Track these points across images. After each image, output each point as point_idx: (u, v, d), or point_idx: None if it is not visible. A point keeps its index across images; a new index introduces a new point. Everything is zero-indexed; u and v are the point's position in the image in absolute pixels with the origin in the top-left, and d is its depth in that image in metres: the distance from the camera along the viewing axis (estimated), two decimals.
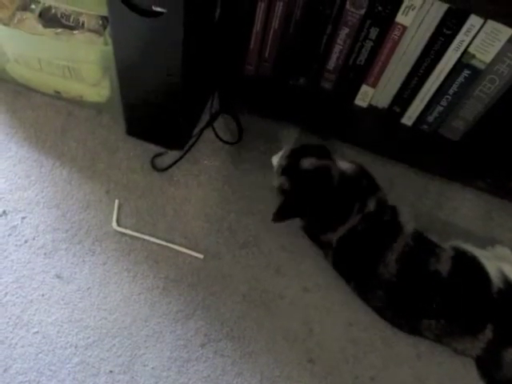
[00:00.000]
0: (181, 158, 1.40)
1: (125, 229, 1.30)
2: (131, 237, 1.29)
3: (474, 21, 1.16)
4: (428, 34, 1.24)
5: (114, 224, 1.30)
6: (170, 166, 1.39)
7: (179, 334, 1.22)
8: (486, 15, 1.13)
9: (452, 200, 1.44)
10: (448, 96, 1.33)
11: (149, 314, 1.22)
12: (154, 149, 1.41)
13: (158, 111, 1.32)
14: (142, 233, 1.30)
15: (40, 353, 1.18)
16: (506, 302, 1.16)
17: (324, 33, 1.33)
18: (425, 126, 1.43)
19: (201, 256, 1.28)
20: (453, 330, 1.18)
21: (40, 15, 1.33)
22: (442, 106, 1.36)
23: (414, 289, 1.19)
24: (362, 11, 1.25)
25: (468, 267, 1.21)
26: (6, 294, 1.21)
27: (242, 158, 1.43)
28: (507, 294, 1.16)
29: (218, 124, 1.46)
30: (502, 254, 1.30)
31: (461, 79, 1.28)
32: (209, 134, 1.45)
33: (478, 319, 1.17)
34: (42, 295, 1.22)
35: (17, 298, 1.21)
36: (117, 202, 1.33)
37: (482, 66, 1.23)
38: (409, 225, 1.24)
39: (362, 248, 1.22)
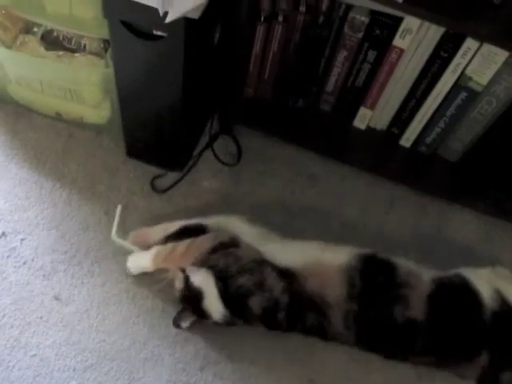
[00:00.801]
0: (180, 179, 1.40)
1: (122, 240, 1.29)
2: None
3: (470, 44, 1.18)
4: (425, 57, 1.26)
5: (113, 234, 1.30)
6: (170, 188, 1.39)
7: (178, 357, 1.21)
8: (482, 38, 1.14)
9: (452, 221, 1.44)
10: (446, 118, 1.34)
11: (148, 337, 1.22)
12: (154, 170, 1.41)
13: (158, 133, 1.33)
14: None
15: (37, 376, 1.17)
16: (501, 325, 1.12)
17: (322, 55, 1.35)
18: (423, 148, 1.44)
19: None
20: (445, 363, 1.16)
21: (42, 38, 1.34)
22: (439, 127, 1.37)
23: (393, 334, 1.13)
24: (360, 34, 1.27)
25: (452, 300, 1.14)
26: (4, 315, 1.21)
27: (242, 179, 1.44)
28: (503, 315, 1.12)
29: (218, 145, 1.47)
30: (502, 274, 1.29)
31: (458, 101, 1.29)
32: (208, 156, 1.45)
33: (472, 347, 1.13)
34: (41, 317, 1.21)
35: (15, 320, 1.21)
36: (119, 207, 1.33)
37: (478, 88, 1.25)
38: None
39: None
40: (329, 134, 1.47)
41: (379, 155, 1.48)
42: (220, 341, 1.23)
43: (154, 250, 1.21)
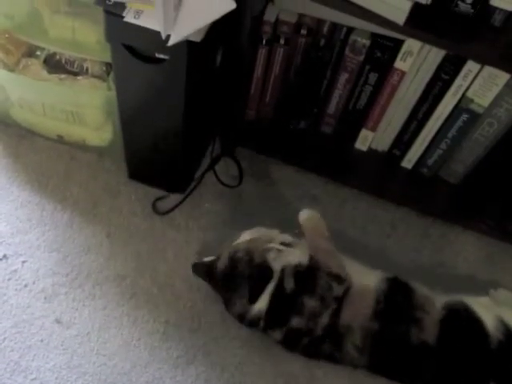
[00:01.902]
0: (182, 201, 1.40)
1: None
2: (132, 280, 1.29)
3: (471, 66, 1.18)
4: (426, 79, 1.27)
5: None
6: (172, 210, 1.39)
7: (179, 381, 1.19)
8: (482, 61, 1.15)
9: (453, 243, 1.43)
10: (447, 139, 1.34)
11: (149, 360, 1.21)
12: (156, 192, 1.41)
13: (159, 155, 1.33)
14: (142, 277, 1.29)
15: None
16: (507, 354, 1.12)
17: (324, 78, 1.36)
18: (425, 170, 1.44)
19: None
20: None
21: (45, 61, 1.36)
22: (441, 149, 1.37)
23: (406, 356, 1.14)
24: (361, 57, 1.28)
25: (460, 328, 1.15)
26: (5, 339, 1.20)
27: (243, 201, 1.44)
28: (508, 344, 1.12)
29: (219, 167, 1.47)
30: (504, 297, 1.28)
31: (459, 123, 1.29)
32: (210, 178, 1.45)
33: (479, 378, 1.12)
34: (41, 340, 1.21)
35: (15, 343, 1.20)
36: None
37: (480, 110, 1.25)
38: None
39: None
40: (330, 156, 1.48)
41: (380, 177, 1.48)
42: (221, 364, 1.22)
43: (317, 215, 1.23)
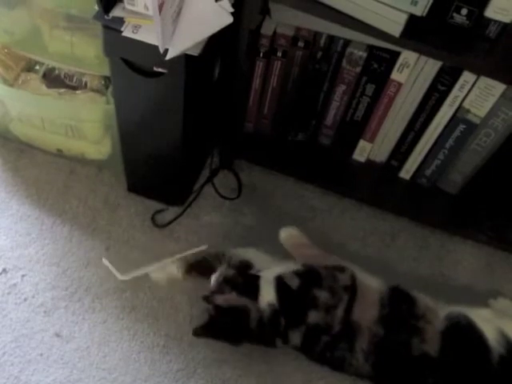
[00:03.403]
0: (181, 214, 1.40)
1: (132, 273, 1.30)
2: (131, 293, 1.29)
3: (467, 77, 1.19)
4: (423, 90, 1.27)
5: (119, 276, 1.30)
6: (171, 222, 1.39)
7: None
8: (478, 72, 1.15)
9: (453, 253, 1.44)
10: (445, 150, 1.35)
11: (149, 374, 1.20)
12: (155, 205, 1.41)
13: (158, 168, 1.33)
14: (142, 290, 1.29)
15: None
16: (508, 368, 1.11)
17: (321, 90, 1.37)
18: (423, 180, 1.44)
19: None
20: None
21: (44, 76, 1.36)
22: (439, 159, 1.38)
23: (403, 371, 1.14)
24: (358, 69, 1.28)
25: (461, 341, 1.14)
26: (4, 353, 1.20)
27: (242, 213, 1.44)
28: (509, 358, 1.11)
29: (218, 180, 1.47)
30: (504, 306, 1.28)
31: (457, 133, 1.30)
32: (209, 190, 1.46)
33: None
34: (41, 354, 1.20)
35: (15, 357, 1.20)
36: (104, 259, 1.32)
37: (477, 121, 1.26)
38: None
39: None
40: (328, 168, 1.48)
41: (379, 188, 1.48)
42: (222, 378, 1.21)
43: (296, 231, 1.28)
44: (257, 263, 1.23)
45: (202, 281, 1.26)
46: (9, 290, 1.27)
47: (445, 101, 1.25)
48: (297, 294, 1.15)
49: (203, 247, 1.34)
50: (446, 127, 1.30)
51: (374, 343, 1.12)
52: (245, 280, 1.17)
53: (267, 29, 1.26)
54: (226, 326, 1.16)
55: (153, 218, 1.40)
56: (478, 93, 1.21)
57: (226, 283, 1.16)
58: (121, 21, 1.02)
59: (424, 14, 1.02)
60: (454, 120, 1.28)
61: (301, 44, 1.27)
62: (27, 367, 1.19)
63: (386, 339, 1.12)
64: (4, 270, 1.29)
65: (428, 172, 1.42)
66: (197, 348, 1.24)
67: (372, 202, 1.46)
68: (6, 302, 1.26)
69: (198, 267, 1.30)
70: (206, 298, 1.17)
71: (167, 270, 1.30)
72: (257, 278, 1.16)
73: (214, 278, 1.19)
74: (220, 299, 1.16)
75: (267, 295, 1.14)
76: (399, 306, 1.16)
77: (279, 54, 1.29)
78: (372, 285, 1.18)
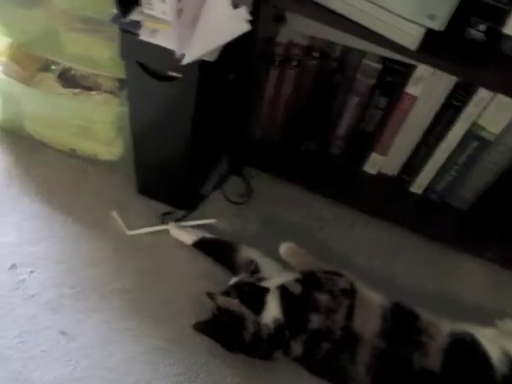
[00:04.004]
0: (186, 215, 1.41)
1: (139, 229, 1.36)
2: (136, 295, 1.29)
3: (483, 93, 1.19)
4: (437, 105, 1.27)
5: (127, 231, 1.36)
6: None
7: None
8: (494, 88, 1.15)
9: (460, 270, 1.43)
10: (457, 166, 1.34)
11: (150, 376, 1.20)
12: (164, 208, 1.42)
13: (168, 171, 1.34)
14: (147, 292, 1.30)
15: None
16: None
17: (334, 100, 1.37)
18: (434, 195, 1.44)
19: None
20: None
21: (59, 76, 1.38)
22: (451, 175, 1.37)
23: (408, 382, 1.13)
24: (372, 81, 1.28)
25: (465, 358, 1.13)
26: (9, 347, 1.20)
27: (249, 218, 1.44)
28: None
29: (227, 185, 1.48)
30: (510, 327, 1.27)
31: (470, 150, 1.29)
32: (217, 195, 1.46)
33: None
34: (45, 351, 1.21)
35: (19, 352, 1.20)
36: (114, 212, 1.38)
37: (491, 138, 1.25)
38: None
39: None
40: (338, 178, 1.48)
41: (389, 201, 1.48)
42: (223, 383, 1.21)
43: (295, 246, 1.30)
44: (263, 268, 1.26)
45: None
46: (17, 286, 1.28)
47: (459, 116, 1.25)
48: (300, 300, 1.15)
49: (212, 220, 1.39)
50: (459, 143, 1.30)
51: (376, 356, 1.12)
52: (252, 291, 1.17)
53: (282, 37, 1.27)
54: (223, 329, 1.17)
55: (161, 221, 1.40)
56: (493, 110, 1.20)
57: (235, 288, 1.17)
58: (138, 24, 1.03)
59: (442, 29, 1.01)
60: (468, 136, 1.27)
61: (315, 54, 1.28)
62: (30, 363, 1.19)
63: (388, 352, 1.12)
64: (13, 266, 1.30)
65: (439, 187, 1.42)
66: (199, 352, 1.24)
67: (381, 215, 1.46)
68: (13, 297, 1.26)
69: (209, 245, 1.34)
70: (210, 295, 1.20)
71: (183, 232, 1.35)
72: (265, 291, 1.16)
73: (233, 279, 1.22)
74: (221, 300, 1.17)
75: (272, 310, 1.14)
76: (402, 320, 1.15)
77: (294, 63, 1.30)
78: (373, 298, 1.18)
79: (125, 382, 1.19)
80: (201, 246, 1.35)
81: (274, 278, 1.21)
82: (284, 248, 1.29)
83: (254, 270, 1.25)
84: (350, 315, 1.13)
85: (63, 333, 1.23)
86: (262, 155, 1.49)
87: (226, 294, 1.18)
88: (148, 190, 1.42)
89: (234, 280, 1.22)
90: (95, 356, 1.21)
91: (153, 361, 1.22)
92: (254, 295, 1.16)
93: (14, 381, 1.17)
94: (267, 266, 1.26)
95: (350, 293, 1.15)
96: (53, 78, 1.37)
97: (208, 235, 1.35)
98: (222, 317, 1.16)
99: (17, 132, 1.49)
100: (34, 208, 1.39)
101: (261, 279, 1.21)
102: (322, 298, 1.14)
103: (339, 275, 1.18)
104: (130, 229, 1.37)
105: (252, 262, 1.26)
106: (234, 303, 1.15)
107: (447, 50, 1.07)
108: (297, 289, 1.15)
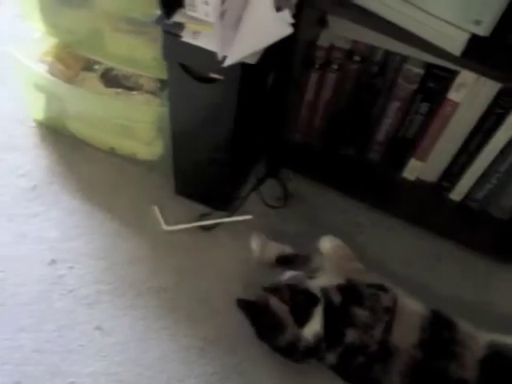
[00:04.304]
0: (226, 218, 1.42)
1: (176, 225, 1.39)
2: (173, 293, 1.30)
3: None
4: (480, 112, 1.25)
5: (164, 226, 1.38)
6: (215, 226, 1.41)
7: None
8: None
9: (500, 280, 1.40)
10: (499, 174, 1.32)
11: (184, 374, 1.21)
12: (201, 208, 1.43)
13: (206, 173, 1.35)
14: (183, 291, 1.31)
15: None
16: None
17: (374, 105, 1.36)
18: (474, 203, 1.41)
19: None
20: None
21: (102, 75, 1.40)
22: (492, 183, 1.34)
23: None
24: (414, 86, 1.27)
25: (502, 371, 1.11)
26: (47, 341, 1.23)
27: (287, 222, 1.44)
28: None
29: (264, 188, 1.48)
30: None
31: None
32: (254, 197, 1.47)
33: None
34: (82, 346, 1.23)
35: (57, 346, 1.23)
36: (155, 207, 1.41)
37: None
38: None
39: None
40: (376, 184, 1.47)
41: (427, 208, 1.46)
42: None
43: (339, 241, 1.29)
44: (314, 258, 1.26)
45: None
46: (56, 281, 1.30)
47: (502, 124, 1.23)
48: (338, 312, 1.14)
49: (248, 217, 1.40)
50: (501, 151, 1.27)
51: (412, 366, 1.10)
52: (304, 301, 1.15)
53: (324, 41, 1.27)
54: (262, 320, 1.18)
55: (199, 221, 1.41)
56: None
57: (289, 290, 1.16)
58: (181, 26, 1.04)
59: (487, 34, 1.00)
60: (511, 144, 1.25)
61: (357, 58, 1.27)
62: (68, 357, 1.22)
63: (424, 363, 1.10)
64: (53, 261, 1.33)
65: (480, 195, 1.39)
66: (233, 353, 1.24)
67: (419, 222, 1.44)
68: (52, 291, 1.29)
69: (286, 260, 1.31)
70: (266, 289, 1.19)
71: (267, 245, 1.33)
72: (315, 302, 1.14)
73: (288, 274, 1.21)
74: (273, 300, 1.17)
75: (316, 324, 1.13)
76: (440, 331, 1.14)
77: (334, 66, 1.29)
78: (413, 307, 1.16)
79: (158, 379, 1.21)
80: (280, 261, 1.32)
81: (322, 272, 1.20)
82: (327, 243, 1.27)
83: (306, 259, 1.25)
84: (388, 329, 1.12)
85: (99, 328, 1.26)
86: (300, 158, 1.49)
87: (277, 290, 1.17)
88: (186, 191, 1.44)
89: (288, 275, 1.21)
90: (130, 352, 1.23)
91: (187, 359, 1.23)
92: (304, 306, 1.15)
93: (52, 374, 1.19)
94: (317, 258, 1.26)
95: (392, 309, 1.14)
96: (95, 78, 1.40)
97: (288, 250, 1.33)
98: (267, 313, 1.16)
99: (59, 130, 1.52)
100: (75, 205, 1.42)
101: (311, 273, 1.21)
102: (362, 314, 1.12)
103: (384, 290, 1.16)
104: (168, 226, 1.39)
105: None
106: (283, 309, 1.15)
107: (491, 56, 1.05)
108: (337, 298, 1.14)
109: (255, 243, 1.34)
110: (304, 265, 1.27)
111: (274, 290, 1.17)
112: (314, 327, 1.13)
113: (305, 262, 1.28)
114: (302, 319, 1.14)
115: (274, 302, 1.16)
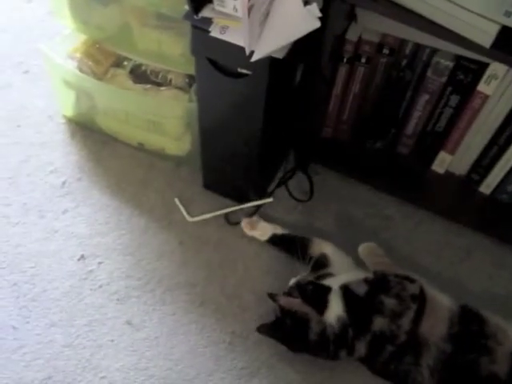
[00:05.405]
0: (254, 213, 1.42)
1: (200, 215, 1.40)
2: (202, 288, 1.31)
3: None
4: (510, 104, 1.23)
5: (188, 217, 1.40)
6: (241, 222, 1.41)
7: None
8: None
9: None
10: None
11: (213, 369, 1.22)
12: (229, 203, 1.43)
13: (235, 167, 1.35)
14: (212, 286, 1.32)
15: None
16: None
17: (403, 98, 1.35)
18: (504, 196, 1.40)
19: None
20: None
21: (131, 71, 1.41)
22: None
23: None
24: (444, 79, 1.26)
25: None
26: (78, 336, 1.25)
27: (314, 216, 1.44)
28: None
29: (292, 182, 1.48)
30: None
31: None
32: (282, 192, 1.46)
33: None
34: (112, 340, 1.24)
35: (87, 341, 1.24)
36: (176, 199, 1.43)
37: None
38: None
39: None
40: (405, 177, 1.46)
41: (457, 201, 1.44)
42: (285, 379, 1.22)
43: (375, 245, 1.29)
44: (333, 262, 1.26)
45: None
46: (86, 276, 1.32)
47: None
48: (364, 300, 1.14)
49: (269, 200, 1.42)
50: None
51: (441, 360, 1.10)
52: (314, 289, 1.17)
53: (352, 34, 1.26)
54: (287, 330, 1.17)
55: (226, 216, 1.42)
56: None
57: (296, 288, 1.17)
58: (209, 21, 1.05)
59: None
60: None
61: (386, 51, 1.26)
62: (98, 351, 1.23)
63: (454, 357, 1.10)
64: (82, 257, 1.34)
65: (509, 188, 1.38)
66: (262, 348, 1.25)
67: (448, 215, 1.43)
68: (82, 287, 1.31)
69: (281, 240, 1.35)
70: (271, 296, 1.20)
71: (256, 229, 1.36)
72: (328, 290, 1.15)
73: (292, 280, 1.22)
74: (283, 300, 1.17)
75: (336, 308, 1.13)
76: (469, 325, 1.13)
77: (363, 60, 1.28)
78: (442, 301, 1.15)
79: (187, 374, 1.22)
80: (274, 241, 1.35)
81: (342, 274, 1.20)
82: (363, 247, 1.28)
83: (323, 263, 1.25)
84: (417, 320, 1.11)
85: (129, 323, 1.27)
86: (329, 152, 1.48)
87: (288, 294, 1.19)
88: (214, 185, 1.44)
89: (293, 280, 1.22)
90: (160, 347, 1.24)
91: (216, 354, 1.24)
92: (316, 294, 1.16)
93: (82, 369, 1.21)
94: (338, 261, 1.26)
95: (419, 298, 1.13)
96: (124, 74, 1.40)
97: (280, 231, 1.35)
98: (286, 318, 1.16)
99: (89, 126, 1.53)
100: (104, 200, 1.43)
101: (326, 275, 1.21)
102: (389, 302, 1.12)
103: (411, 281, 1.15)
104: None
105: (323, 255, 1.27)
106: (296, 303, 1.16)
107: None
108: (362, 289, 1.14)
109: (244, 222, 1.37)
110: (304, 252, 1.30)
111: (284, 294, 1.19)
112: (334, 311, 1.13)
113: (304, 247, 1.30)
114: (320, 306, 1.14)
115: (286, 302, 1.17)
